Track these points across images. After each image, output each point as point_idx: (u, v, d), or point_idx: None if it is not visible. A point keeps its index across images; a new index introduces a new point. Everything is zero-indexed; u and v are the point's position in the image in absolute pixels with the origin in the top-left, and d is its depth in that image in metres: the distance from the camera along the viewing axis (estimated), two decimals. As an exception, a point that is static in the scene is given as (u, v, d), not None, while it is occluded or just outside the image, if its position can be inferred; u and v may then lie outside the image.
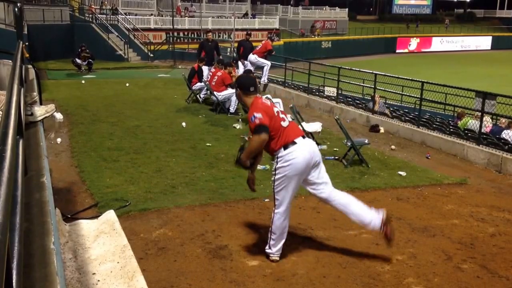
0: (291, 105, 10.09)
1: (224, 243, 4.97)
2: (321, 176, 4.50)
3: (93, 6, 28.75)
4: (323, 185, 4.52)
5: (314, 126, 9.63)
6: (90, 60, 19.85)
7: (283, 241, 4.60)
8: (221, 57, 15.77)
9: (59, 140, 8.93)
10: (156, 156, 8.17)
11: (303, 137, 4.43)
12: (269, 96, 10.94)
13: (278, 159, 4.36)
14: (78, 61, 19.76)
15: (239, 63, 15.39)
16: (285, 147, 4.32)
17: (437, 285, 4.32)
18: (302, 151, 4.31)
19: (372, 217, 4.56)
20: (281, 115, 4.47)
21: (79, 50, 19.82)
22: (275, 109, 4.47)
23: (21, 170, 1.90)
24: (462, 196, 6.92)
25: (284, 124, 4.41)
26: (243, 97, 4.67)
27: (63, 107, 11.92)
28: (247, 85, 4.65)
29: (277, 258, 4.61)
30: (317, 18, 49.84)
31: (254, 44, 16.02)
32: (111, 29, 26.25)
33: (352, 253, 4.86)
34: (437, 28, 58.29)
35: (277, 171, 4.37)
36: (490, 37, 60.14)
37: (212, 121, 11.27)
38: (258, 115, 4.32)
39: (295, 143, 4.32)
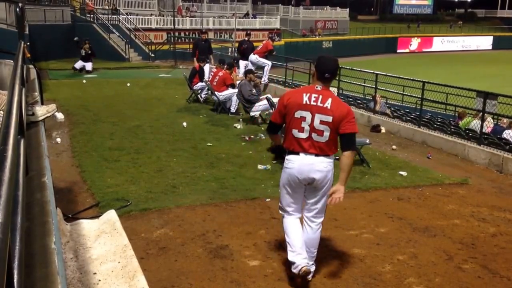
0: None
1: (225, 243, 4.97)
2: (314, 204, 4.14)
3: (90, 4, 28.73)
4: (314, 212, 4.17)
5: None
6: (89, 69, 19.82)
7: (298, 249, 4.09)
8: (211, 56, 15.83)
9: (58, 140, 8.94)
10: (157, 156, 8.18)
11: (317, 155, 3.91)
12: (269, 96, 10.97)
13: (285, 160, 4.11)
14: (78, 65, 19.70)
15: (240, 62, 15.42)
16: (289, 152, 4.01)
17: (438, 285, 4.31)
18: (296, 165, 3.96)
19: (299, 262, 4.05)
20: (303, 124, 3.89)
21: (81, 44, 19.71)
22: (305, 114, 3.89)
23: (22, 169, 1.90)
24: (463, 196, 6.91)
25: (299, 134, 3.91)
26: (313, 77, 4.12)
27: (64, 107, 11.93)
28: (323, 69, 3.98)
29: (300, 269, 4.05)
30: (318, 18, 49.84)
31: (255, 44, 16.05)
32: (112, 29, 26.27)
33: (353, 253, 4.86)
34: (438, 28, 58.27)
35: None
36: (491, 37, 60.11)
37: (213, 121, 11.27)
38: (276, 108, 4.21)
39: (297, 154, 3.95)
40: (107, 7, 29.13)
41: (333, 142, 3.94)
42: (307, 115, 3.88)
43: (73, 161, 7.81)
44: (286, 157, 4.04)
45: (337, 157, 4.13)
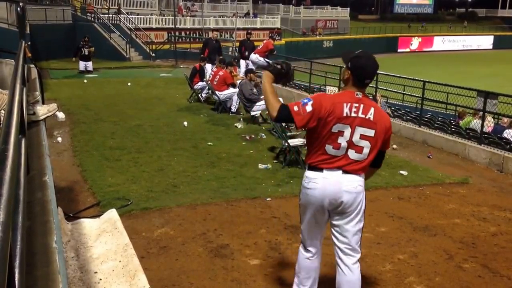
0: None
1: (225, 242, 4.98)
2: (345, 235, 3.36)
3: (92, 5, 28.78)
4: (346, 246, 3.38)
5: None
6: (90, 68, 19.82)
7: (310, 284, 3.63)
8: (221, 57, 15.85)
9: (59, 139, 8.95)
10: (158, 155, 8.18)
11: (344, 172, 3.21)
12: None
13: (303, 177, 3.39)
14: (82, 68, 19.63)
15: (241, 62, 15.44)
16: (311, 168, 3.29)
17: (438, 284, 4.32)
18: (320, 185, 3.24)
19: None
20: (340, 140, 3.17)
21: (82, 42, 19.70)
22: (343, 128, 3.16)
23: (24, 169, 1.91)
24: (464, 195, 6.91)
25: (332, 151, 3.20)
26: (346, 82, 3.31)
27: (65, 106, 11.94)
28: (364, 74, 3.23)
29: None
30: (319, 17, 49.87)
31: (255, 43, 16.07)
32: (113, 29, 26.28)
33: (354, 252, 4.86)
34: (438, 27, 58.24)
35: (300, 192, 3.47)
36: (492, 37, 60.04)
37: (213, 121, 11.28)
38: (309, 106, 3.16)
39: (321, 170, 3.24)
40: (107, 6, 29.11)
41: (369, 161, 3.27)
42: (346, 129, 3.17)
43: (74, 160, 7.82)
44: (306, 174, 3.32)
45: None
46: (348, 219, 3.31)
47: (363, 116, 3.18)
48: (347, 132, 3.17)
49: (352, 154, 3.20)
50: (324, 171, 3.22)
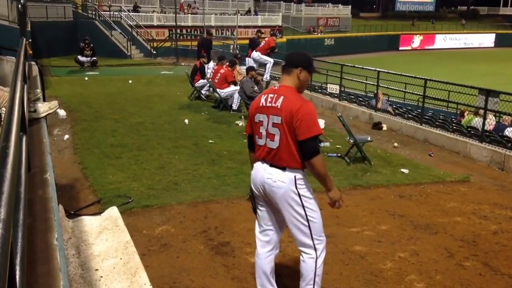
0: None
1: (226, 239, 4.98)
2: (290, 229, 3.48)
3: (102, 4, 28.79)
4: (295, 239, 3.55)
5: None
6: (94, 58, 19.91)
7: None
8: (213, 52, 15.98)
9: (66, 136, 8.96)
10: (159, 153, 8.19)
11: (272, 165, 3.33)
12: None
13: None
14: (82, 59, 19.77)
15: (247, 59, 15.40)
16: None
17: (439, 282, 4.32)
18: (253, 173, 3.50)
19: None
20: (261, 129, 3.38)
21: (82, 45, 19.83)
22: (262, 118, 3.38)
23: (25, 166, 1.91)
24: (465, 193, 6.91)
25: (258, 141, 3.41)
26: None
27: (66, 104, 11.95)
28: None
29: None
30: (320, 15, 49.79)
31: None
32: (114, 26, 26.27)
33: (355, 250, 4.87)
34: (440, 25, 58.14)
35: None
36: (494, 35, 59.94)
37: (214, 118, 11.28)
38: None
39: (258, 160, 3.46)
40: (108, 3, 29.09)
41: (287, 151, 3.27)
42: (264, 118, 3.36)
43: (75, 158, 7.82)
44: None
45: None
46: (285, 216, 3.42)
47: (275, 105, 3.32)
48: (265, 121, 3.35)
49: (268, 142, 3.34)
50: (258, 161, 3.44)
